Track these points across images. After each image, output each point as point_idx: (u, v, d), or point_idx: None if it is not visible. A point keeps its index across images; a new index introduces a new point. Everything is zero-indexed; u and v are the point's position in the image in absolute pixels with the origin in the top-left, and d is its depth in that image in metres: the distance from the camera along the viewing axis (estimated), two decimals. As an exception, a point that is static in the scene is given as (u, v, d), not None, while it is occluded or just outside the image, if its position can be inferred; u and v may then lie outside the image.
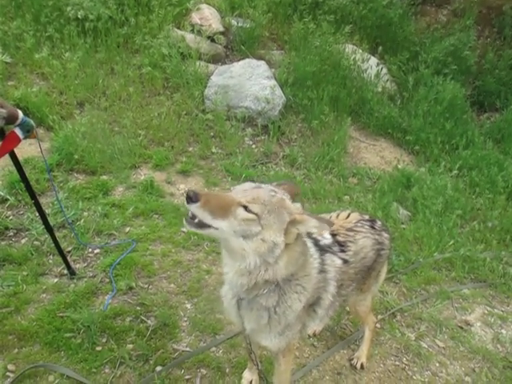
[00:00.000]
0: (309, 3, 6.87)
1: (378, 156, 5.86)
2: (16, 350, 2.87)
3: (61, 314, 3.12)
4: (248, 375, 2.84)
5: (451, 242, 4.34)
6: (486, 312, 3.81)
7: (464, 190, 5.27)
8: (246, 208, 1.84)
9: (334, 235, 2.42)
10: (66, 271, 3.48)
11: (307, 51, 6.12)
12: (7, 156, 2.96)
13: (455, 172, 5.47)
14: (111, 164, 4.72)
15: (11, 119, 2.76)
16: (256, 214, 1.84)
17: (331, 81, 6.01)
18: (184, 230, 4.08)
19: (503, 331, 3.64)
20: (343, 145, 5.63)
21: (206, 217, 1.81)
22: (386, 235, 2.72)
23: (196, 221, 1.84)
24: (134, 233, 3.96)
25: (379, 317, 3.50)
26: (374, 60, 6.59)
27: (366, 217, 2.75)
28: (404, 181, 5.10)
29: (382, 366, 3.16)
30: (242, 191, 1.90)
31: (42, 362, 2.81)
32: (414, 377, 3.13)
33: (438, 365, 3.25)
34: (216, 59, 6.24)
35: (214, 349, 3.04)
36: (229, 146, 5.34)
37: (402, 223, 4.62)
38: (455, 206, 4.79)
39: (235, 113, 5.57)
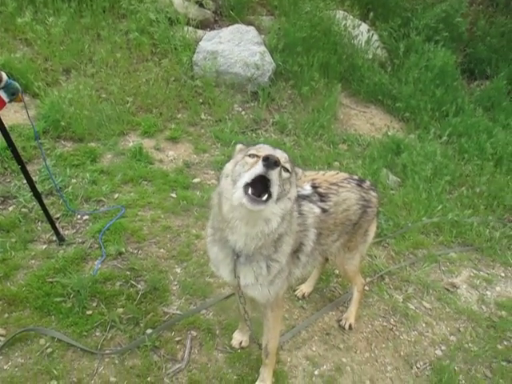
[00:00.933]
0: (299, -33, 6.70)
1: (368, 123, 5.83)
2: (6, 315, 2.88)
3: (50, 280, 3.12)
4: (238, 336, 2.89)
5: (439, 207, 4.37)
6: (472, 275, 3.87)
7: (453, 156, 5.28)
8: (283, 168, 1.92)
9: (315, 187, 2.45)
10: (54, 238, 3.48)
11: (297, 17, 5.99)
12: None
13: (445, 139, 5.48)
14: (99, 131, 4.66)
15: None
16: (289, 173, 1.95)
17: (321, 47, 5.91)
18: (173, 195, 4.07)
19: (488, 293, 3.71)
20: (333, 111, 5.58)
21: (276, 182, 1.81)
22: (373, 194, 2.75)
23: (264, 198, 1.81)
24: (122, 199, 3.95)
25: (368, 279, 3.54)
26: (364, 26, 6.49)
27: (356, 177, 2.77)
28: (394, 147, 5.10)
29: (369, 326, 3.21)
30: (272, 151, 1.97)
31: (33, 325, 2.83)
32: (401, 337, 3.19)
33: (424, 325, 3.31)
34: (204, 25, 6.11)
35: (204, 311, 3.07)
36: (218, 112, 5.28)
37: (392, 189, 4.63)
38: (444, 172, 4.81)
39: (224, 79, 5.49)
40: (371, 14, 6.69)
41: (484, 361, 3.09)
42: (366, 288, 3.47)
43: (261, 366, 2.67)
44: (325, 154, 5.00)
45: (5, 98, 2.80)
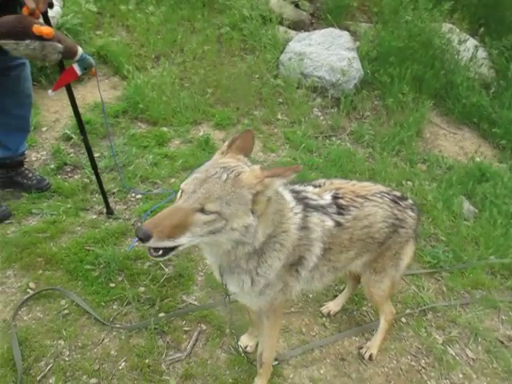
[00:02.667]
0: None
1: (456, 145, 5.32)
2: (40, 271, 3.07)
3: (88, 247, 3.26)
4: (245, 340, 2.79)
5: (515, 248, 3.84)
6: (538, 332, 3.33)
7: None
8: (202, 210, 1.70)
9: (336, 198, 2.23)
10: (105, 210, 3.63)
11: (396, 25, 5.67)
12: (78, 97, 3.10)
13: (543, 174, 4.81)
14: (173, 117, 4.79)
15: (69, 54, 2.85)
16: (215, 213, 1.71)
17: (418, 59, 5.52)
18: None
19: (553, 356, 3.16)
20: (418, 128, 5.18)
21: (167, 243, 1.70)
22: (410, 213, 2.46)
23: (160, 252, 1.74)
24: (177, 184, 4.00)
25: (407, 311, 3.22)
26: (472, 42, 5.93)
27: (396, 192, 2.50)
28: (478, 175, 4.59)
29: (394, 362, 2.90)
30: (191, 193, 1.72)
31: (60, 286, 2.98)
32: (429, 382, 2.83)
33: (461, 375, 2.91)
34: (299, 26, 6.03)
35: (219, 308, 3.00)
36: (295, 114, 5.16)
37: (465, 219, 4.17)
38: (531, 210, 4.22)
39: (307, 81, 5.36)
40: (481, 29, 6.11)
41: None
42: (403, 320, 3.15)
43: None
44: (398, 172, 4.64)
45: (78, 70, 2.97)
